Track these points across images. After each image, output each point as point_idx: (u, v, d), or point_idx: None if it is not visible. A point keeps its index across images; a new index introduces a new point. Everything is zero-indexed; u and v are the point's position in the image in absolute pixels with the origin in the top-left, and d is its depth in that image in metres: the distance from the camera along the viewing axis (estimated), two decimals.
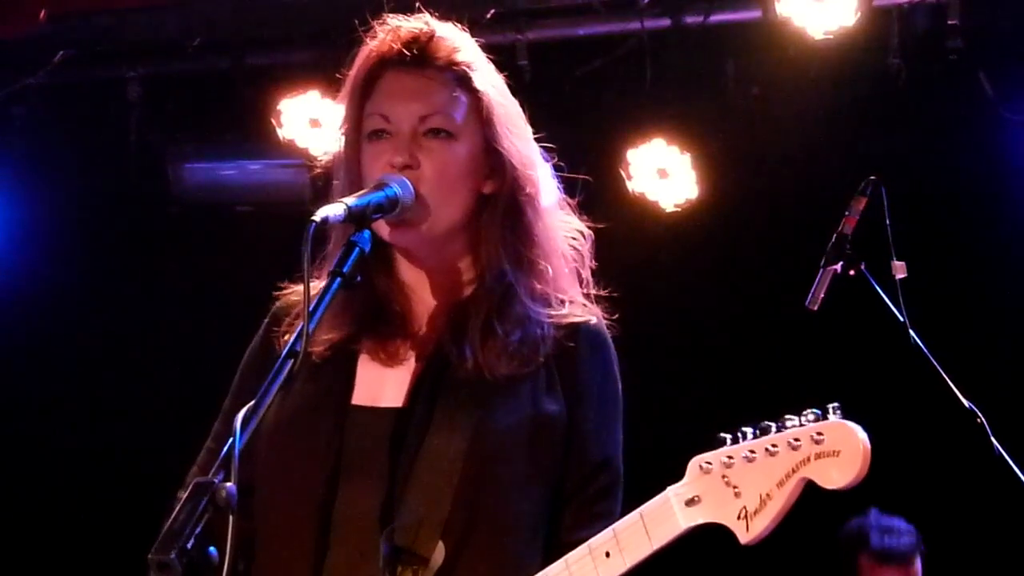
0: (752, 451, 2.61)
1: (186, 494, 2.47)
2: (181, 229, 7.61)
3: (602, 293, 3.13)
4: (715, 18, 6.54)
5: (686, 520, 2.66)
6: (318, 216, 2.73)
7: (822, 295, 4.85)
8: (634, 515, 2.71)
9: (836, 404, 2.58)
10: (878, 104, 6.62)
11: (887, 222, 4.85)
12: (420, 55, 3.00)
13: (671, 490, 2.68)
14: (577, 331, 3.02)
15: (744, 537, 2.61)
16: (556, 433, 2.96)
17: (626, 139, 6.76)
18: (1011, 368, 6.65)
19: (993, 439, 4.74)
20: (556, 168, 3.17)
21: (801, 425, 2.58)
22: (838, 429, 2.56)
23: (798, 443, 2.57)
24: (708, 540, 2.70)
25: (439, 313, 3.04)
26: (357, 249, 2.81)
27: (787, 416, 2.61)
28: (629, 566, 2.70)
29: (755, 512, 2.60)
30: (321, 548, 2.88)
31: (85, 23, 7.08)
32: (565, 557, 2.78)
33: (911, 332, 4.83)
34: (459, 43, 3.04)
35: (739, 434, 2.64)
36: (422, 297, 3.06)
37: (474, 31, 3.10)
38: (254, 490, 2.93)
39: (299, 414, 2.95)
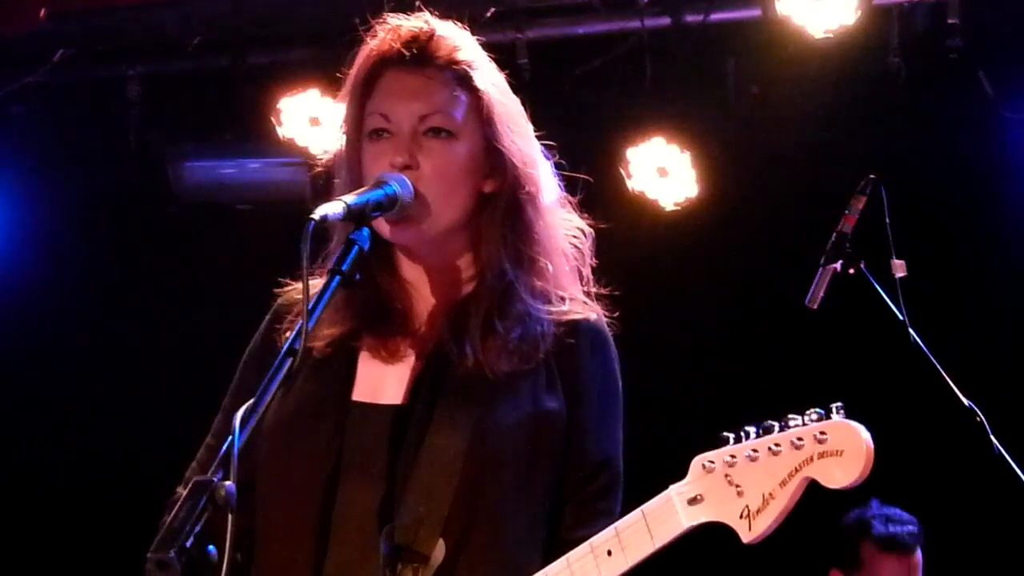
0: (755, 450, 2.61)
1: (185, 492, 2.47)
2: (181, 228, 7.61)
3: (602, 291, 3.13)
4: (715, 17, 6.55)
5: (688, 519, 2.66)
6: (317, 214, 2.73)
7: (822, 294, 4.85)
8: (636, 514, 2.71)
9: (839, 404, 2.58)
10: (878, 103, 6.63)
11: (887, 221, 4.85)
12: (420, 54, 3.00)
13: (673, 489, 2.68)
14: (577, 328, 3.02)
15: (746, 536, 2.61)
16: (556, 431, 2.96)
17: (626, 138, 6.77)
18: (1010, 367, 6.65)
19: (992, 437, 4.74)
20: (556, 167, 3.17)
21: (804, 424, 2.58)
22: (841, 429, 2.55)
23: (801, 442, 2.57)
24: (710, 539, 2.70)
25: (439, 311, 3.04)
26: (356, 247, 2.81)
27: (790, 415, 2.61)
28: (631, 565, 2.70)
29: (758, 511, 2.59)
30: (321, 546, 2.88)
31: (85, 22, 7.08)
32: (566, 555, 2.78)
33: (911, 331, 4.83)
34: (459, 42, 3.03)
35: (742, 433, 2.64)
36: (423, 295, 3.06)
37: (474, 29, 3.10)
38: (254, 487, 2.93)
39: (299, 412, 2.95)
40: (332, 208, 2.78)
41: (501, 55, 3.14)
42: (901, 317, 4.82)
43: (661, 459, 2.95)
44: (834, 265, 4.84)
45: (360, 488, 2.89)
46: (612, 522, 2.75)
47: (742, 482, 2.61)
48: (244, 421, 2.54)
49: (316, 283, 2.80)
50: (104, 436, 7.70)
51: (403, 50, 3.00)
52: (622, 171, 6.76)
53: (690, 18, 6.57)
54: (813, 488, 2.58)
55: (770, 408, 2.69)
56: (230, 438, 2.50)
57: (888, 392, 6.13)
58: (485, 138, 3.00)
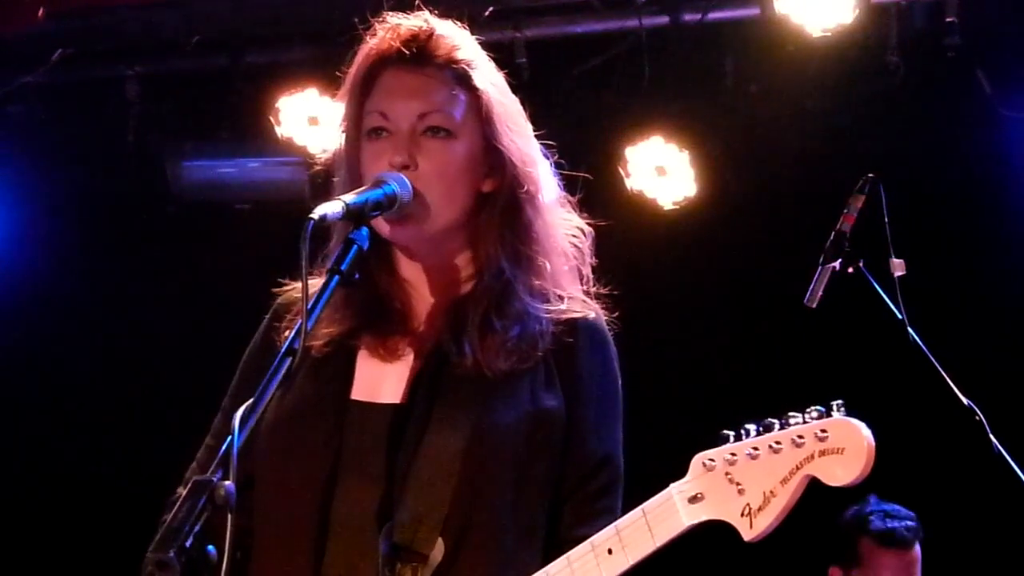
0: (756, 448, 2.61)
1: (185, 492, 2.47)
2: (180, 227, 7.61)
3: (601, 291, 3.13)
4: (713, 15, 6.55)
5: (689, 517, 2.66)
6: (316, 214, 2.73)
7: (820, 293, 4.85)
8: (637, 512, 2.71)
9: (840, 401, 2.58)
10: (876, 101, 6.63)
11: (885, 220, 4.85)
12: (420, 53, 3.00)
13: (674, 487, 2.68)
14: (576, 326, 3.02)
15: (747, 534, 2.61)
16: (555, 429, 2.96)
17: (624, 137, 6.77)
18: (1009, 365, 6.65)
19: (991, 436, 4.74)
20: (555, 166, 3.17)
21: (805, 422, 2.58)
22: (842, 426, 2.55)
23: (802, 440, 2.57)
24: (710, 537, 2.70)
25: (438, 309, 3.04)
26: (355, 246, 2.81)
27: (791, 413, 2.60)
28: (632, 563, 2.70)
29: (759, 509, 2.59)
30: (320, 545, 2.88)
31: (83, 21, 7.07)
32: (567, 554, 2.78)
33: (909, 330, 4.82)
34: (459, 41, 3.04)
35: (742, 431, 2.64)
36: (421, 294, 3.06)
37: (472, 28, 3.10)
38: (254, 487, 2.93)
39: (298, 411, 2.96)
40: (331, 207, 2.78)
41: (499, 54, 3.14)
42: (900, 316, 4.82)
43: (661, 457, 2.95)
44: (833, 264, 4.84)
45: (359, 487, 2.89)
46: (613, 520, 2.75)
47: (743, 480, 2.61)
48: (243, 420, 2.54)
49: (315, 282, 2.80)
50: (103, 436, 7.70)
51: (402, 49, 3.00)
52: (620, 170, 6.76)
53: (688, 17, 6.57)
54: (812, 486, 2.58)
55: (770, 406, 2.69)
56: (229, 438, 2.50)
57: (887, 391, 6.12)
58: (484, 137, 3.00)
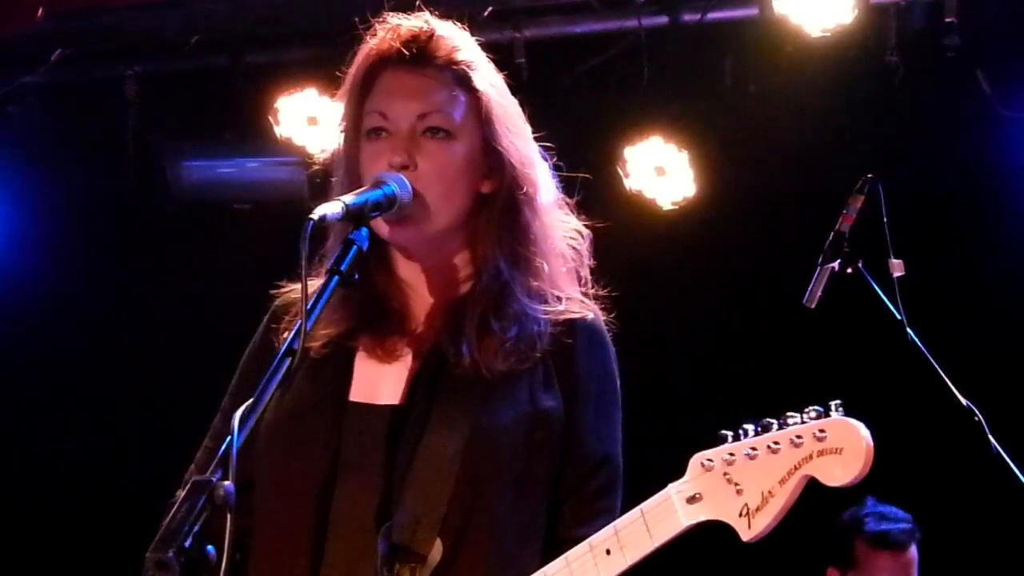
0: (754, 448, 2.60)
1: (184, 492, 2.47)
2: (179, 227, 7.60)
3: (600, 292, 3.14)
4: (712, 16, 6.54)
5: (687, 518, 2.66)
6: (316, 214, 2.73)
7: (819, 293, 4.85)
8: (635, 512, 2.71)
9: (838, 401, 2.58)
10: (875, 101, 6.63)
11: (884, 220, 4.85)
12: (420, 54, 3.00)
13: (672, 487, 2.68)
14: (574, 327, 3.02)
15: (746, 535, 2.61)
16: (554, 429, 2.96)
17: (623, 137, 6.76)
18: (1009, 366, 6.65)
19: (991, 437, 4.74)
20: (554, 168, 3.17)
21: (803, 422, 2.58)
22: (841, 426, 2.55)
23: (800, 440, 2.57)
24: (709, 538, 2.70)
25: (436, 310, 3.04)
26: (355, 247, 2.81)
27: (789, 413, 2.60)
28: (630, 563, 2.70)
29: (757, 510, 2.59)
30: (319, 546, 2.88)
31: (83, 21, 7.07)
32: (565, 555, 2.78)
33: (908, 330, 4.83)
34: (459, 42, 3.04)
35: (740, 431, 2.64)
36: (420, 294, 3.06)
37: (471, 29, 3.10)
38: (253, 487, 2.93)
39: (297, 412, 2.96)
40: (331, 208, 2.78)
41: (498, 54, 3.14)
42: (899, 316, 4.82)
43: (660, 458, 2.95)
44: (832, 264, 4.84)
45: (357, 488, 2.89)
46: (612, 520, 2.74)
47: (741, 480, 2.61)
48: (243, 420, 2.54)
49: (313, 283, 2.80)
50: (102, 435, 7.70)
51: (403, 49, 3.00)
52: (619, 170, 6.76)
53: (687, 17, 6.56)
54: (810, 486, 2.58)
55: (768, 406, 2.69)
56: (229, 438, 2.50)
57: (886, 392, 6.13)
58: (483, 138, 3.00)
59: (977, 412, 4.73)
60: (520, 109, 3.09)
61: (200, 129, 7.37)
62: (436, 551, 2.84)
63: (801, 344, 6.75)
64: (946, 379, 4.76)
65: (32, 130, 7.37)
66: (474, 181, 3.01)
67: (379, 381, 2.99)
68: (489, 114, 3.00)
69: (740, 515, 2.61)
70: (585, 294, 3.11)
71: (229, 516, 2.45)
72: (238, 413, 2.54)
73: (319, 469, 2.90)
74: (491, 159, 3.01)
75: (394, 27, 3.03)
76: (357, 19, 3.11)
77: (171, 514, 2.43)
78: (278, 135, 6.90)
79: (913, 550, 5.93)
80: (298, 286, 2.73)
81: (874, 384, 6.27)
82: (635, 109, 6.77)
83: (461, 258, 3.06)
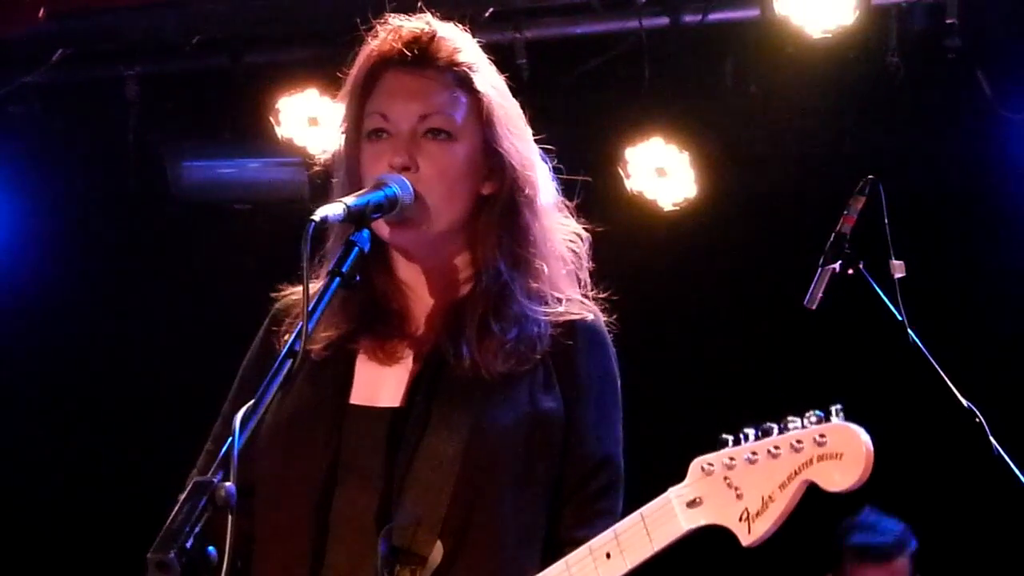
0: (754, 453, 2.60)
1: (185, 493, 2.47)
2: (180, 227, 7.60)
3: (600, 294, 3.14)
4: (713, 17, 6.54)
5: (687, 522, 2.65)
6: (317, 215, 2.74)
7: (820, 294, 4.84)
8: (635, 516, 2.71)
9: (839, 406, 2.57)
10: (876, 103, 6.62)
11: (885, 221, 4.84)
12: (421, 55, 3.00)
13: (672, 491, 2.67)
14: (574, 328, 3.02)
15: (746, 539, 2.60)
16: (554, 431, 2.96)
17: (624, 138, 6.76)
18: (1010, 367, 6.65)
19: (992, 438, 4.74)
20: (555, 170, 3.17)
21: (803, 427, 2.57)
22: (841, 431, 2.55)
23: (800, 445, 2.56)
24: (709, 542, 2.70)
25: (436, 312, 3.05)
26: (356, 248, 2.81)
27: (789, 418, 2.60)
28: (630, 567, 2.70)
29: (757, 514, 2.59)
30: (319, 548, 2.88)
31: (83, 21, 7.06)
32: (565, 558, 2.78)
33: (909, 331, 4.82)
34: (460, 44, 3.04)
35: (741, 436, 2.63)
36: (420, 296, 3.06)
37: (472, 30, 3.11)
38: (254, 489, 2.93)
39: (297, 414, 2.96)
40: (332, 209, 2.78)
41: (499, 55, 3.14)
42: (900, 318, 4.82)
43: (660, 461, 2.95)
44: (833, 266, 4.83)
45: (358, 490, 2.89)
46: (613, 522, 2.74)
47: (741, 485, 2.61)
48: (244, 423, 2.54)
49: (314, 285, 2.80)
50: (103, 436, 7.70)
51: (404, 51, 3.00)
52: (620, 171, 6.76)
53: (688, 18, 6.56)
54: (812, 491, 2.58)
55: (769, 408, 2.69)
56: (230, 439, 2.50)
57: (887, 393, 6.12)
58: (484, 140, 3.00)
59: (978, 413, 4.72)
60: (521, 111, 3.10)
61: (200, 129, 7.36)
62: (436, 553, 2.84)
63: (802, 345, 6.74)
64: (947, 380, 4.76)
65: (32, 130, 7.37)
66: (475, 183, 3.01)
67: (379, 384, 2.99)
68: (490, 116, 3.00)
69: (740, 520, 2.60)
70: (585, 295, 3.10)
71: (230, 517, 2.45)
72: (239, 415, 2.55)
73: (319, 471, 2.90)
74: (492, 161, 3.01)
75: (395, 28, 3.03)
76: (358, 20, 3.12)
77: (172, 515, 2.44)
78: (279, 135, 6.90)
79: (900, 562, 5.95)
80: (298, 289, 2.74)
81: (875, 385, 6.27)
82: (636, 110, 6.76)
83: (461, 260, 3.06)
